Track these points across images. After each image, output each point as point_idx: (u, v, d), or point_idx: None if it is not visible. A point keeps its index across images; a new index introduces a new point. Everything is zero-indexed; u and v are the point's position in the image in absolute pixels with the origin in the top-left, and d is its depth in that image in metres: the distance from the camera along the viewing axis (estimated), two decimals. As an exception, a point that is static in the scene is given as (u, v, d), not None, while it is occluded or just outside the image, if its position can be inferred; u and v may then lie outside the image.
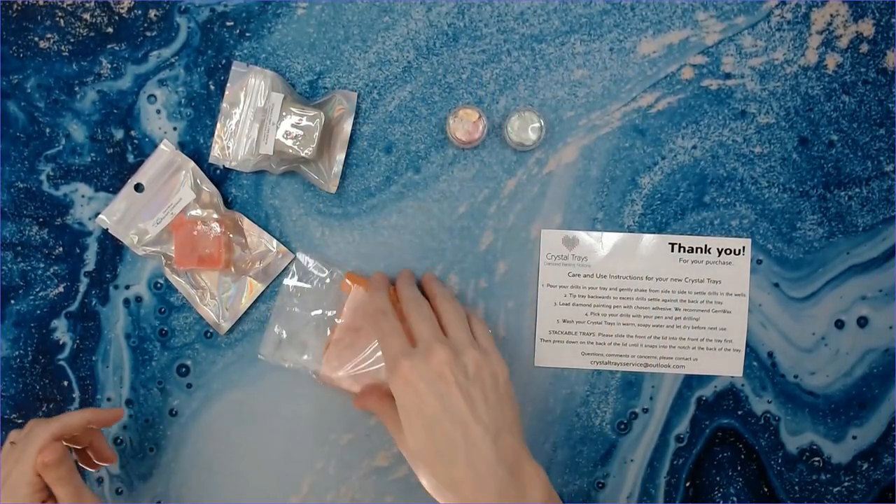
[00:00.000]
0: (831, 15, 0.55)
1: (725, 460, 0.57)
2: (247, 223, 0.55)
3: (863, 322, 0.56)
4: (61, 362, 0.56)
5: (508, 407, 0.47)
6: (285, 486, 0.57)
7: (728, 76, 0.55)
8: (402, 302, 0.50)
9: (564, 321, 0.56)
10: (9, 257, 0.56)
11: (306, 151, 0.52)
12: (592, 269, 0.56)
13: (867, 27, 0.55)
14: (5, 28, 0.55)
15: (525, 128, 0.54)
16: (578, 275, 0.56)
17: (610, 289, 0.56)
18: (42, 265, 0.56)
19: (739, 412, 0.56)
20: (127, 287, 0.56)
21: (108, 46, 0.55)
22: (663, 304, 0.56)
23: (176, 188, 0.55)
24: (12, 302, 0.56)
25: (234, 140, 0.55)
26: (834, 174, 0.55)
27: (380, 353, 0.53)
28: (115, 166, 0.55)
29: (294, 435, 0.56)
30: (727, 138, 0.55)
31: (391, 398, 0.48)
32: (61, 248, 0.56)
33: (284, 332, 0.55)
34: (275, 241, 0.55)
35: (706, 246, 0.56)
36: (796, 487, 0.57)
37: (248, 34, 0.55)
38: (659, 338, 0.56)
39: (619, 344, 0.56)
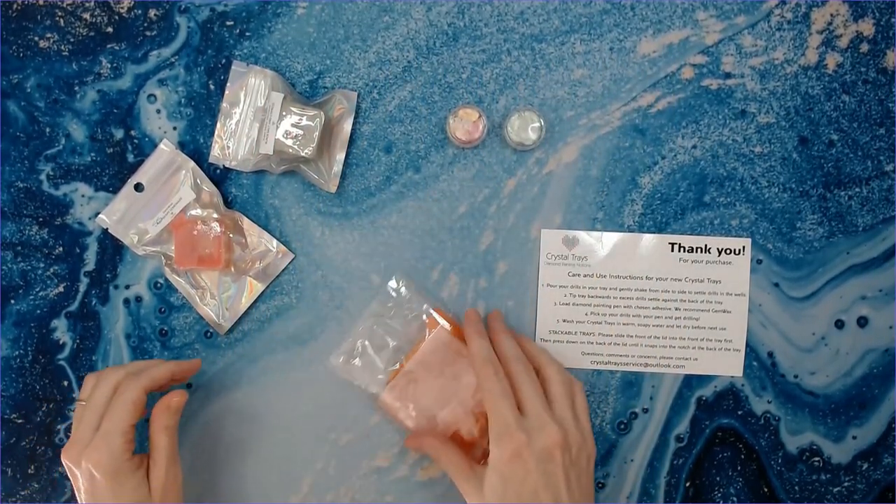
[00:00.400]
0: (831, 15, 0.55)
1: (725, 460, 0.57)
2: (247, 223, 0.55)
3: (863, 322, 0.56)
4: (61, 362, 0.56)
5: (591, 485, 0.50)
6: (285, 486, 0.57)
7: (728, 76, 0.55)
8: (505, 361, 0.51)
9: (564, 321, 0.56)
10: (9, 257, 0.56)
11: (306, 151, 0.52)
12: (592, 269, 0.56)
13: (867, 27, 0.55)
14: (5, 28, 0.55)
15: (525, 127, 0.54)
16: (578, 275, 0.56)
17: (610, 289, 0.56)
18: (42, 265, 0.56)
19: (739, 412, 0.56)
20: (127, 287, 0.56)
21: (108, 46, 0.55)
22: (663, 304, 0.56)
23: (176, 188, 0.55)
24: (12, 302, 0.56)
25: (234, 140, 0.55)
26: (834, 174, 0.55)
27: (446, 399, 0.53)
28: (115, 166, 0.55)
29: (294, 435, 0.56)
30: (727, 138, 0.55)
31: (452, 445, 0.50)
32: (61, 248, 0.56)
33: (361, 347, 0.55)
34: (275, 241, 0.55)
35: (706, 246, 0.56)
36: (796, 487, 0.57)
37: (247, 34, 0.55)
38: (659, 338, 0.56)
39: (619, 344, 0.56)
